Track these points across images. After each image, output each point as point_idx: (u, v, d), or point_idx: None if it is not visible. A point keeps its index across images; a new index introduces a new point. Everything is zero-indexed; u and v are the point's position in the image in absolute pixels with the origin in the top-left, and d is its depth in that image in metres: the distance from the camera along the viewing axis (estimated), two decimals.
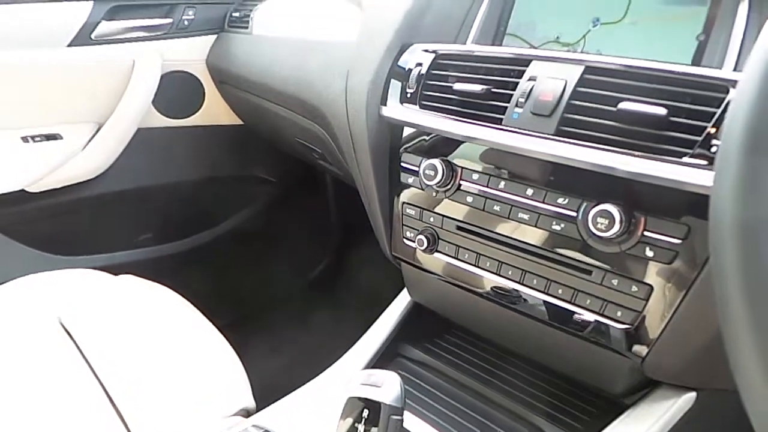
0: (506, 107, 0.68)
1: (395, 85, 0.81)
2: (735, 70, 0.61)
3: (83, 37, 1.21)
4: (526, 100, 0.66)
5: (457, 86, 0.72)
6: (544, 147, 0.63)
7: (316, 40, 1.01)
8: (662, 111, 0.56)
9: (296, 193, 1.62)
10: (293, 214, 1.62)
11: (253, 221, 1.59)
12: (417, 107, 0.77)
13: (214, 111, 1.46)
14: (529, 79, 0.67)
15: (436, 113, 0.75)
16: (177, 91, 1.38)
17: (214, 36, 1.37)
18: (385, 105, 0.81)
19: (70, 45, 1.20)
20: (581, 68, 0.64)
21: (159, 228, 1.48)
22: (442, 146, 0.76)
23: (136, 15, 1.27)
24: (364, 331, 0.92)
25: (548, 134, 0.63)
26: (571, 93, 0.63)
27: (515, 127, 0.66)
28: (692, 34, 0.67)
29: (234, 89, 1.33)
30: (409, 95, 0.78)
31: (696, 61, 0.66)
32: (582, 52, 0.76)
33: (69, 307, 0.96)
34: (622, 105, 0.59)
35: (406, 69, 0.80)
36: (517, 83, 0.68)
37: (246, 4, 1.31)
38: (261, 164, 1.61)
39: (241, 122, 1.50)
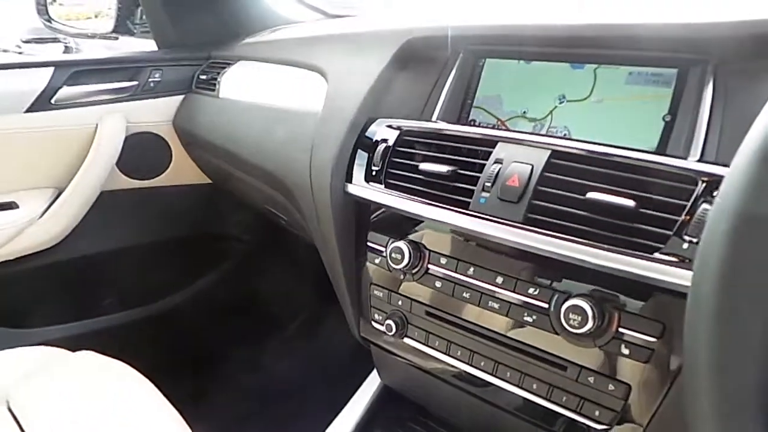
0: (473, 190, 0.65)
1: (360, 162, 0.78)
2: (702, 156, 0.60)
3: (42, 103, 1.17)
4: (492, 185, 0.64)
5: (423, 166, 0.70)
6: (512, 235, 0.61)
7: (282, 107, 0.99)
8: (630, 203, 0.55)
9: (267, 253, 1.58)
10: (264, 275, 1.57)
11: (223, 283, 1.54)
12: (382, 186, 0.74)
13: (182, 171, 1.42)
14: (496, 162, 0.65)
15: (402, 193, 0.72)
16: (143, 153, 1.34)
17: (182, 97, 1.34)
18: (350, 182, 0.78)
19: (27, 111, 1.16)
20: (548, 153, 0.62)
21: (124, 293, 1.42)
22: (410, 225, 0.73)
23: (99, 79, 1.24)
24: (334, 411, 0.87)
25: (516, 222, 0.61)
26: (538, 179, 0.61)
27: (482, 213, 0.64)
28: (658, 114, 0.66)
29: (201, 151, 1.30)
30: (374, 173, 0.76)
31: (663, 142, 0.65)
32: (549, 128, 0.74)
33: (19, 389, 0.89)
34: (590, 195, 0.57)
35: (371, 145, 0.78)
36: (484, 165, 0.66)
37: (214, 67, 1.29)
38: (231, 223, 1.56)
39: (209, 181, 1.46)
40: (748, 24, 0.57)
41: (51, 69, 1.18)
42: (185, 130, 1.30)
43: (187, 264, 1.51)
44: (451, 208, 0.66)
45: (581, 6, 0.74)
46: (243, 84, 1.17)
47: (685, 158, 0.61)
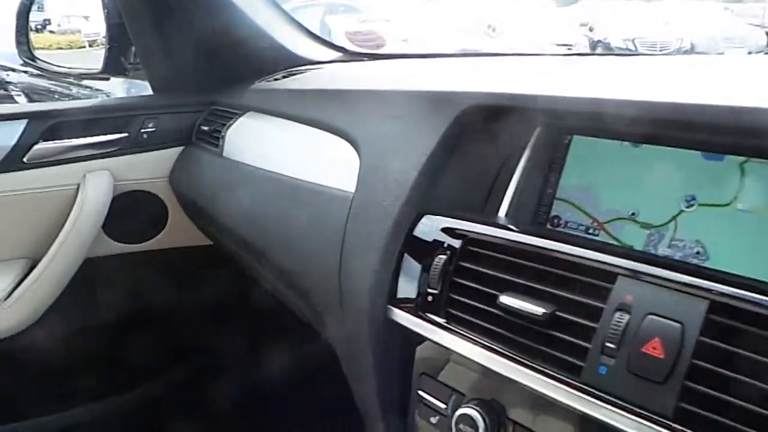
0: (587, 349, 0.45)
1: (409, 276, 0.59)
2: None
3: (12, 162, 0.99)
4: (618, 347, 0.43)
5: (506, 300, 0.50)
6: None
7: (301, 182, 0.79)
8: None
9: (280, 328, 1.37)
10: (277, 353, 1.36)
11: (227, 356, 1.33)
12: (443, 320, 0.54)
13: (180, 231, 1.22)
14: (620, 309, 0.45)
15: (473, 335, 0.52)
16: (134, 213, 1.15)
17: (179, 149, 1.15)
18: (396, 305, 0.58)
19: None
20: (704, 304, 0.42)
21: (105, 378, 1.21)
22: (485, 377, 0.53)
23: (82, 132, 1.05)
24: None
25: (661, 416, 0.40)
26: (694, 348, 0.41)
27: (603, 391, 0.43)
28: None
29: (201, 216, 1.10)
30: (430, 299, 0.56)
31: None
32: (672, 241, 0.54)
33: None
34: None
35: (423, 253, 0.58)
36: (600, 311, 0.45)
37: (217, 116, 1.10)
38: (236, 288, 1.36)
39: (210, 242, 1.26)
40: None
41: (23, 122, 0.99)
42: (183, 191, 1.10)
43: (184, 337, 1.31)
44: (554, 372, 0.46)
45: None
46: (252, 143, 0.97)
47: None
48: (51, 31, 1.93)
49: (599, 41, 9.27)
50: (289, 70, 1.15)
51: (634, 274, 0.45)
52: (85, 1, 1.56)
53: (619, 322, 0.44)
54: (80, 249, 1.08)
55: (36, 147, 1.00)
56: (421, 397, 0.57)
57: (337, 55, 1.25)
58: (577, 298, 0.47)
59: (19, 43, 1.26)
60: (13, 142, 0.98)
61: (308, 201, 0.75)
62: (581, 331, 0.46)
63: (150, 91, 1.19)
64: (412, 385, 0.58)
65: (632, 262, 0.46)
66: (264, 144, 0.95)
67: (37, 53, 1.30)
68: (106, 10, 1.16)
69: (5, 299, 1.01)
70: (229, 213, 0.93)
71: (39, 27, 1.62)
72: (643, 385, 0.42)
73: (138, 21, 1.13)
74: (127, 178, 1.11)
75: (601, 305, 0.46)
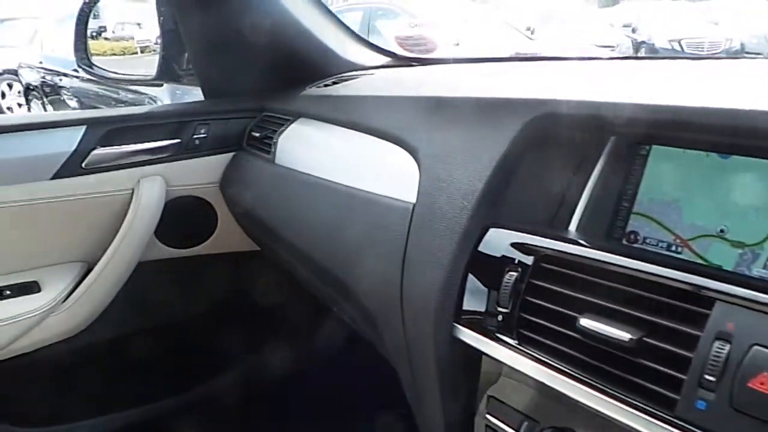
0: (681, 381, 0.41)
1: (475, 295, 0.56)
2: None
3: (71, 167, 1.00)
4: (718, 380, 0.40)
5: (586, 322, 0.47)
6: None
7: (358, 190, 0.77)
8: None
9: (329, 326, 1.36)
10: (322, 353, 1.35)
11: (276, 361, 1.33)
12: (515, 341, 0.51)
13: (229, 237, 1.23)
14: (719, 338, 0.41)
15: (548, 358, 0.49)
16: (185, 219, 1.16)
17: (230, 155, 1.15)
18: (463, 325, 0.56)
19: (54, 177, 0.99)
20: None
21: (159, 379, 1.23)
22: (558, 403, 0.50)
23: (137, 138, 1.07)
24: None
25: None
26: None
27: (702, 428, 0.40)
28: None
29: (251, 223, 1.10)
30: (500, 318, 0.53)
31: None
32: None
33: None
34: None
35: (490, 270, 0.55)
36: (696, 339, 0.42)
37: (268, 122, 1.09)
38: (283, 292, 1.36)
39: (258, 248, 1.26)
40: None
41: (82, 128, 1.01)
42: (233, 197, 1.10)
43: (232, 340, 1.31)
44: (642, 404, 0.43)
45: None
46: (304, 150, 0.96)
47: None
48: (106, 38, 1.99)
49: (643, 42, 8.91)
50: (340, 75, 1.14)
51: (735, 299, 0.42)
52: (138, 9, 1.61)
53: (719, 352, 0.40)
54: (134, 253, 1.10)
55: (94, 152, 1.02)
56: (489, 421, 0.54)
57: (386, 59, 1.23)
58: (668, 323, 0.44)
59: (77, 50, 1.29)
60: (73, 147, 1.00)
61: (364, 211, 0.73)
62: (674, 361, 0.42)
63: (202, 97, 1.20)
64: (479, 407, 0.55)
65: (731, 286, 0.42)
66: (316, 151, 0.94)
67: (93, 60, 1.33)
68: (161, 18, 1.17)
69: (63, 301, 1.03)
70: (281, 220, 0.92)
71: (94, 34, 1.66)
72: (749, 424, 0.38)
73: (191, 27, 1.14)
74: (179, 183, 1.12)
75: (698, 333, 0.42)
